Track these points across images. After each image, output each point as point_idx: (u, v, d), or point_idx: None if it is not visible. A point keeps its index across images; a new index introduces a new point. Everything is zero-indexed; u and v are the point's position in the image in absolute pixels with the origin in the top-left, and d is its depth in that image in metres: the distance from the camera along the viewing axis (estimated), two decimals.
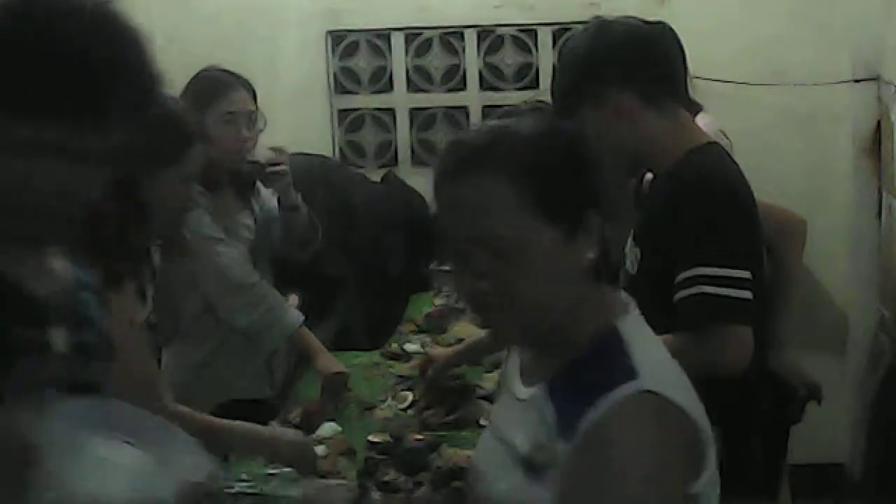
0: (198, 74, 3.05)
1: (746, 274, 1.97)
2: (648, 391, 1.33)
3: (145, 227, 2.11)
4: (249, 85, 3.06)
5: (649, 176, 2.30)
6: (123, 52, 1.31)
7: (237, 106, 2.99)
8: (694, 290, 1.95)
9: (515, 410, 1.49)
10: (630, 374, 1.35)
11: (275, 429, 2.47)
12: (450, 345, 3.34)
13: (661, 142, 2.09)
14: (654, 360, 1.42)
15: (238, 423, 2.28)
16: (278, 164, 3.05)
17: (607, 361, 1.40)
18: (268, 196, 3.17)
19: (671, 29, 2.17)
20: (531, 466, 1.39)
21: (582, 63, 2.13)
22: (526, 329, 1.44)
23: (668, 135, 2.10)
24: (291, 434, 2.39)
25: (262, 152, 3.06)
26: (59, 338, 1.41)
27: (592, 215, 1.42)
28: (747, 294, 1.96)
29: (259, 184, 3.13)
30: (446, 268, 1.32)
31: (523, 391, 1.49)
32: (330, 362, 2.96)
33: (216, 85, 3.00)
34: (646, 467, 1.29)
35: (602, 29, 2.14)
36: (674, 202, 2.03)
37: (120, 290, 1.97)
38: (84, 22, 1.29)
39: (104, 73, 1.28)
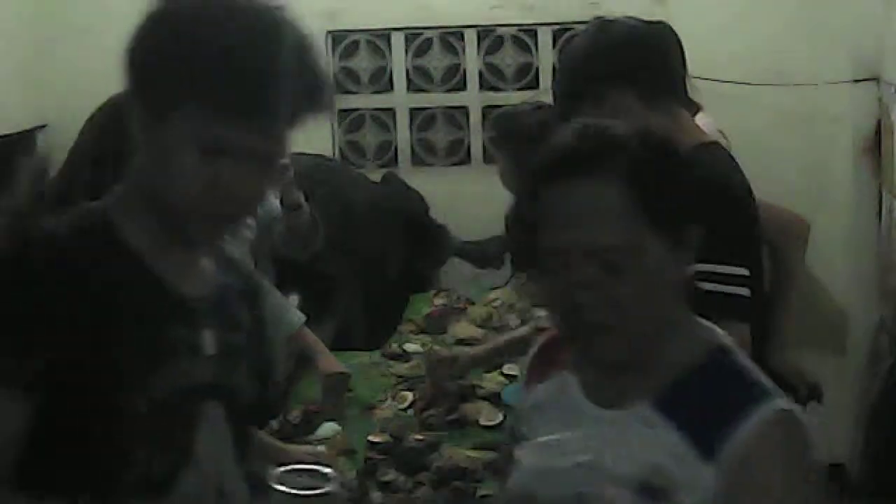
0: None
1: (744, 271, 1.97)
2: (784, 410, 1.35)
3: None
4: None
5: None
6: (294, 56, 1.31)
7: None
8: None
9: (599, 432, 1.40)
10: (764, 392, 1.36)
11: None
12: (449, 345, 3.35)
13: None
14: (763, 375, 1.41)
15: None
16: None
17: (731, 378, 1.38)
18: (269, 195, 3.17)
19: (671, 29, 2.17)
20: (648, 490, 1.33)
21: (582, 63, 2.13)
22: (631, 345, 1.37)
23: (673, 132, 2.09)
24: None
25: None
26: (209, 340, 1.40)
27: (692, 225, 1.38)
28: (745, 291, 1.96)
29: None
30: (536, 278, 1.22)
31: (607, 412, 1.40)
32: (331, 363, 2.96)
33: None
34: (802, 485, 1.32)
35: (602, 29, 2.14)
36: None
37: None
38: (257, 26, 1.30)
39: (275, 74, 1.28)
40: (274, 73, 1.28)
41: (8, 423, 1.25)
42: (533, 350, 1.61)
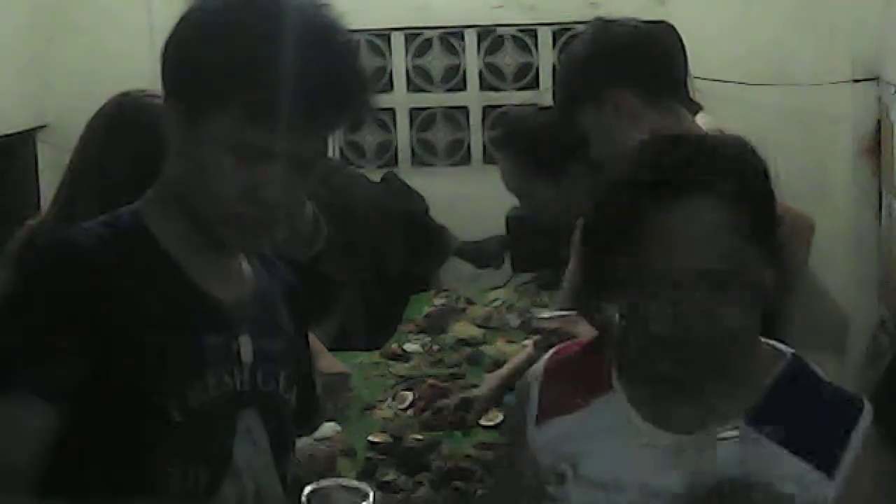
0: None
1: None
2: (871, 409, 1.35)
3: None
4: None
5: None
6: (334, 58, 1.28)
7: None
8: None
9: (685, 460, 1.32)
10: (853, 397, 1.37)
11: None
12: (449, 345, 3.35)
13: None
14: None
15: None
16: None
17: (817, 387, 1.36)
18: None
19: (673, 28, 2.17)
20: None
21: (583, 63, 2.13)
22: (729, 361, 1.33)
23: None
24: None
25: None
26: (246, 347, 1.37)
27: (777, 236, 1.37)
28: None
29: None
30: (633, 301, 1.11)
31: (687, 438, 1.33)
32: (331, 363, 2.95)
33: None
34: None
35: (603, 29, 2.14)
36: None
37: None
38: (297, 28, 1.26)
39: (314, 78, 1.25)
40: (313, 77, 1.24)
41: (41, 430, 1.22)
42: (537, 376, 1.50)
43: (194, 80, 1.27)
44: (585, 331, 2.13)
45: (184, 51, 1.29)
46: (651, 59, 2.11)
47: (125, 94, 2.15)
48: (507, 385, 2.70)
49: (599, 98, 2.09)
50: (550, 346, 2.25)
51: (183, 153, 1.30)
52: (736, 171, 1.31)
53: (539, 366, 1.50)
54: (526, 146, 2.49)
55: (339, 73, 1.28)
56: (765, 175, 1.37)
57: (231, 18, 1.26)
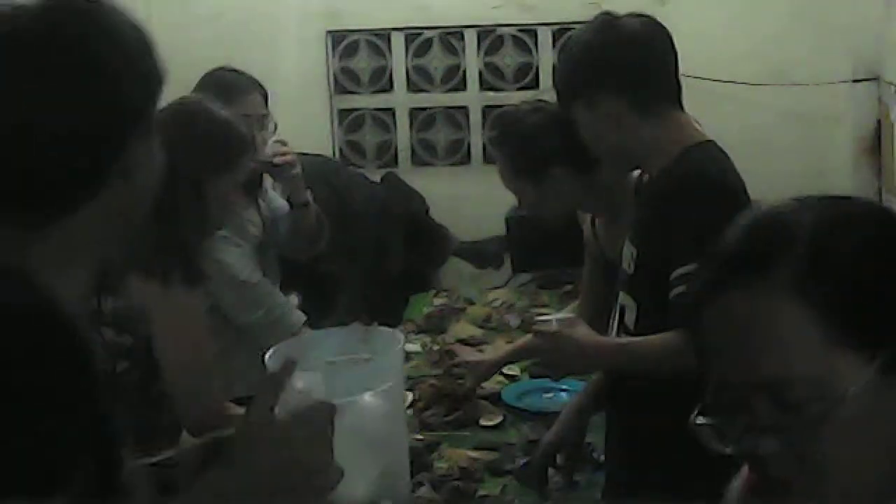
0: (211, 75, 3.05)
1: None
2: None
3: (207, 229, 2.25)
4: (262, 87, 3.06)
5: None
6: (127, 52, 1.19)
7: (251, 109, 2.98)
8: (684, 287, 1.94)
9: None
10: None
11: None
12: (449, 345, 3.34)
13: (655, 142, 2.09)
14: None
15: None
16: (284, 155, 3.05)
17: None
18: (275, 195, 3.17)
19: (660, 25, 2.16)
20: None
21: (575, 64, 2.14)
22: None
23: (662, 135, 2.09)
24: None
25: (266, 147, 3.06)
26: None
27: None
28: None
29: (266, 182, 3.13)
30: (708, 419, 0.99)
31: None
32: None
33: (231, 87, 3.00)
34: None
35: (597, 29, 2.13)
36: (668, 200, 2.03)
37: (196, 288, 2.12)
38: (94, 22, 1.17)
39: (113, 73, 1.16)
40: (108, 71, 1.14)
41: None
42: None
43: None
44: (584, 333, 2.13)
45: None
46: (643, 63, 2.10)
47: (182, 101, 2.24)
48: (512, 359, 2.78)
49: (591, 101, 2.09)
50: (547, 350, 2.25)
51: None
52: (800, 254, 1.00)
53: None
54: (517, 146, 2.50)
55: (129, 67, 1.17)
56: (874, 256, 1.01)
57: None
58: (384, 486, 1.27)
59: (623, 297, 2.13)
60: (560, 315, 2.34)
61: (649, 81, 2.11)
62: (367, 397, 1.23)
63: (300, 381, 1.18)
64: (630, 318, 2.09)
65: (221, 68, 3.08)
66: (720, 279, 1.03)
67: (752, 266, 1.01)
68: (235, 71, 3.08)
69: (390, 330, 1.36)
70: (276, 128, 3.05)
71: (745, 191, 2.08)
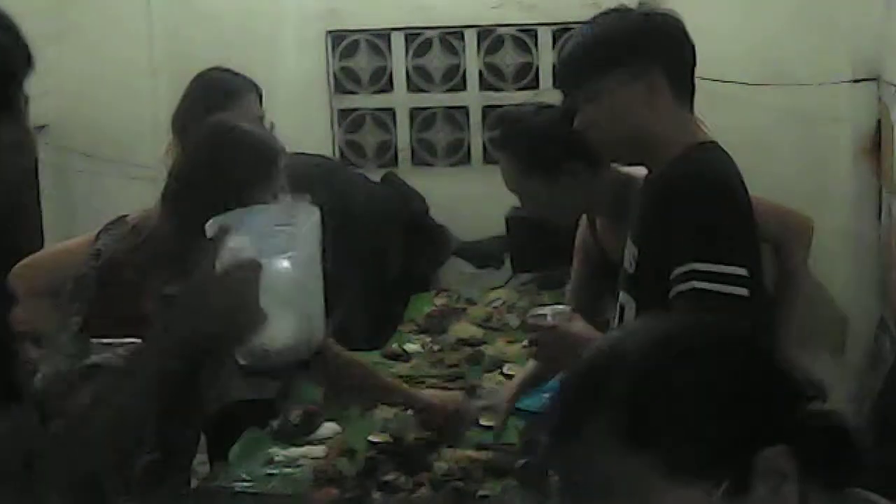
0: (204, 76, 3.04)
1: (743, 271, 1.95)
2: None
3: None
4: (258, 87, 3.06)
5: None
6: None
7: (249, 111, 2.98)
8: (688, 285, 1.93)
9: None
10: None
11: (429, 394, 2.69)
12: (449, 345, 3.34)
13: (665, 136, 2.05)
14: None
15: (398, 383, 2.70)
16: None
17: None
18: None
19: (679, 18, 2.14)
20: None
21: (621, 32, 2.05)
22: None
23: (674, 129, 2.07)
24: (445, 400, 2.61)
25: None
26: None
27: (773, 453, 0.99)
28: (743, 291, 1.94)
29: None
30: None
31: None
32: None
33: (228, 89, 3.00)
34: None
35: (637, 10, 2.08)
36: (670, 198, 2.01)
37: None
38: None
39: None
40: None
41: None
42: None
43: None
44: (581, 328, 2.12)
45: None
46: (677, 47, 2.07)
47: (219, 121, 2.42)
48: (520, 393, 2.69)
49: (636, 69, 2.04)
50: (544, 345, 2.23)
51: None
52: (627, 390, 1.01)
53: None
54: (525, 145, 2.47)
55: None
56: (706, 381, 1.02)
57: None
58: (301, 329, 1.58)
59: (623, 297, 2.11)
60: (559, 308, 2.30)
61: (684, 68, 2.08)
62: (279, 260, 1.50)
63: (232, 243, 1.44)
64: (630, 317, 2.07)
65: (214, 69, 3.08)
66: (557, 430, 1.04)
67: (579, 419, 1.00)
68: (228, 71, 3.07)
69: (310, 206, 1.75)
70: (272, 127, 3.05)
71: (746, 191, 2.07)
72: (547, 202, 2.49)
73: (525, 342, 2.64)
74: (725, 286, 1.92)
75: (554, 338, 2.13)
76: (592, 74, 2.04)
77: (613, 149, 2.13)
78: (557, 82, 2.19)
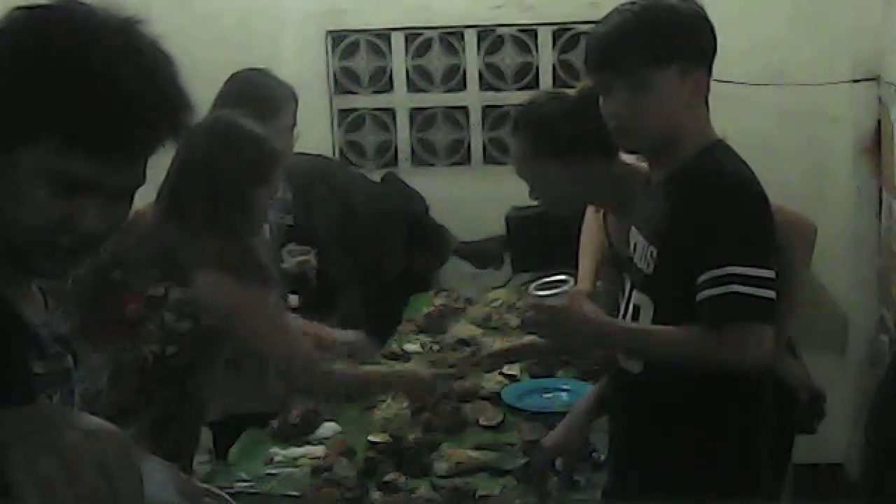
0: (242, 77, 3.02)
1: (771, 274, 1.94)
2: None
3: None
4: (296, 96, 3.06)
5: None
6: (153, 79, 1.22)
7: (289, 119, 2.99)
8: (724, 289, 1.90)
9: None
10: None
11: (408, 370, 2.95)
12: (449, 345, 3.35)
13: (686, 132, 2.02)
14: None
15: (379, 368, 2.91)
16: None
17: None
18: (276, 202, 3.17)
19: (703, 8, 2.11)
20: None
21: (675, 26, 2.00)
22: None
23: (694, 126, 2.03)
24: (420, 372, 2.82)
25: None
26: (70, 365, 1.34)
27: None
28: (772, 294, 1.93)
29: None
30: None
31: None
32: (341, 333, 2.96)
33: (278, 97, 2.98)
34: None
35: (680, 8, 2.03)
36: (696, 200, 1.97)
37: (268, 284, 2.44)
38: (113, 50, 1.20)
39: (134, 103, 1.18)
40: (133, 103, 1.18)
41: None
42: None
43: (6, 110, 1.19)
44: (591, 310, 2.06)
45: None
46: (714, 41, 2.05)
47: (216, 119, 2.48)
48: (515, 357, 2.80)
49: (686, 66, 1.99)
50: (542, 325, 2.15)
51: None
52: None
53: None
54: (538, 129, 2.42)
55: (156, 97, 1.22)
56: None
57: (43, 43, 1.18)
58: None
59: (638, 297, 2.07)
60: (561, 279, 2.14)
61: (712, 66, 2.06)
62: None
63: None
64: (645, 318, 2.04)
65: (253, 70, 3.06)
66: None
67: None
68: (268, 75, 3.05)
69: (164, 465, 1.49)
70: (298, 136, 3.06)
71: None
72: (556, 189, 2.44)
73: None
74: (759, 290, 1.91)
75: (558, 315, 2.05)
76: (647, 64, 1.98)
77: (639, 140, 2.07)
78: (594, 60, 2.07)
